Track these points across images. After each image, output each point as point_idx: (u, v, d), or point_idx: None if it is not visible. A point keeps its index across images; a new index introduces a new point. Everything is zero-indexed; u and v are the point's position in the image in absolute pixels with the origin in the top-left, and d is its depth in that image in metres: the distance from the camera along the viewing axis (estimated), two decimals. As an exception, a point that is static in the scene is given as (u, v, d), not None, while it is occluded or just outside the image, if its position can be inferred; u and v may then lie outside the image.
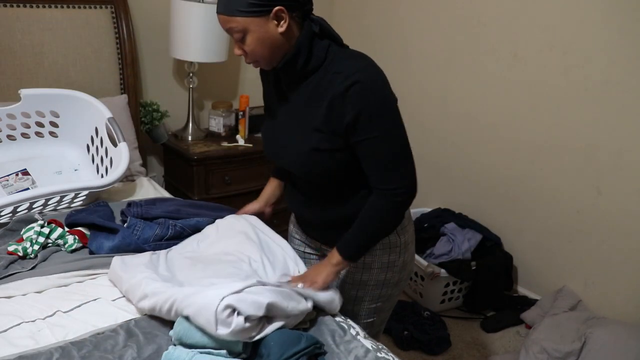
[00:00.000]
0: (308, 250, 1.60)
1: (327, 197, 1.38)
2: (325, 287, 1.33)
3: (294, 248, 1.61)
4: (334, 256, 1.34)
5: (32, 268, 1.49)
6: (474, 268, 2.49)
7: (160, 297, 1.22)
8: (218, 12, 1.21)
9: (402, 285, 1.53)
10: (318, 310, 1.33)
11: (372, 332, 1.53)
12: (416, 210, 2.92)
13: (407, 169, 1.29)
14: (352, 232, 1.33)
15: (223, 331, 1.08)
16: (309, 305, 1.25)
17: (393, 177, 1.26)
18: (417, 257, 2.51)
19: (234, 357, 1.11)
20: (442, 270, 2.44)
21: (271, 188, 1.66)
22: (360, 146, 1.24)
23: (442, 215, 2.77)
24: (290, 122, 1.33)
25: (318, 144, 1.26)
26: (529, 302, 2.50)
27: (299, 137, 1.30)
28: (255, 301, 1.11)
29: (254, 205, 1.66)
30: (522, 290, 2.65)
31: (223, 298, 1.09)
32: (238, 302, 1.10)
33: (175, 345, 1.15)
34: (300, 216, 1.54)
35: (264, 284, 1.19)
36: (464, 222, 2.68)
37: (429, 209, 2.89)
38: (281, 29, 1.20)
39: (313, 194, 1.41)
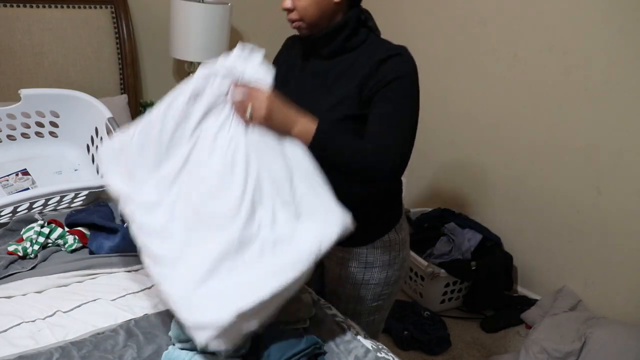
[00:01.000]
0: None
1: (341, 176, 1.29)
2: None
3: None
4: (308, 125, 1.17)
5: (32, 268, 1.49)
6: (474, 268, 2.48)
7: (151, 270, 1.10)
8: None
9: (401, 283, 1.54)
10: (317, 309, 1.34)
11: (372, 331, 1.53)
12: (416, 210, 2.92)
13: (404, 144, 1.22)
14: (340, 138, 1.20)
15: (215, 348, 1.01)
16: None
17: (391, 140, 1.19)
18: (417, 257, 2.51)
19: (232, 357, 1.10)
20: (442, 270, 2.44)
21: None
22: (378, 105, 1.23)
23: (442, 215, 2.77)
24: (314, 95, 1.32)
25: (343, 113, 1.26)
26: (529, 302, 2.50)
27: (326, 108, 1.28)
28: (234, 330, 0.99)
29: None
30: (522, 290, 2.65)
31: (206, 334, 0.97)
32: (219, 337, 0.97)
33: (174, 345, 1.15)
34: None
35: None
36: (464, 222, 2.68)
37: (429, 209, 2.89)
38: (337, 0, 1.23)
39: (327, 174, 1.27)
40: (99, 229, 1.64)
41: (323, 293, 1.54)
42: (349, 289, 1.47)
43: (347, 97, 1.26)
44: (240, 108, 1.16)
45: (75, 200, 1.86)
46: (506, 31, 2.45)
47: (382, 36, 1.34)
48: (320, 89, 1.31)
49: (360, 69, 1.25)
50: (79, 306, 1.34)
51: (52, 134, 2.14)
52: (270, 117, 1.15)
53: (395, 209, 1.45)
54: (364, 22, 1.30)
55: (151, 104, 2.65)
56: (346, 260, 1.45)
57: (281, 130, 1.17)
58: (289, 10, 1.26)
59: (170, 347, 1.12)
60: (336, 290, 1.50)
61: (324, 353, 1.18)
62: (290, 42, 1.46)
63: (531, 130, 2.44)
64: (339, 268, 1.47)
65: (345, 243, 1.41)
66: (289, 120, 1.17)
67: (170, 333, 1.17)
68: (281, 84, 1.37)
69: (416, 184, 3.06)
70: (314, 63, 1.34)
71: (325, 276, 1.55)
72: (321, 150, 1.18)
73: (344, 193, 1.29)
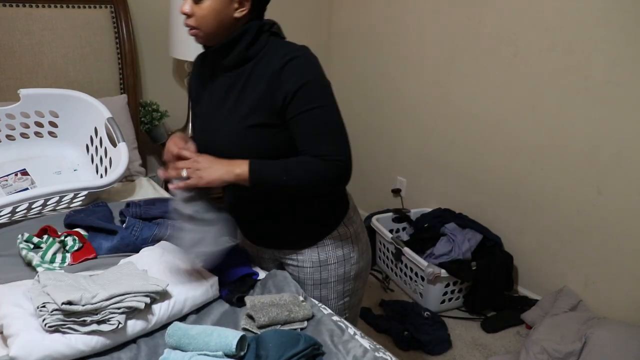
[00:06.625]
0: (263, 263, 1.55)
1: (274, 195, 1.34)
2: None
3: None
4: (241, 167, 1.21)
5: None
6: (474, 268, 2.48)
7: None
8: None
9: (364, 277, 1.52)
10: (315, 310, 1.33)
11: None
12: (416, 210, 2.92)
13: (344, 143, 1.24)
14: (274, 165, 1.23)
15: None
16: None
17: (331, 146, 1.22)
18: (417, 257, 2.51)
19: (231, 358, 1.10)
20: (442, 270, 2.43)
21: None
22: (297, 119, 1.22)
23: (442, 215, 2.77)
24: (223, 107, 1.31)
25: (255, 121, 1.25)
26: (529, 303, 2.50)
27: (234, 118, 1.28)
28: None
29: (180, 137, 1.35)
30: (522, 290, 2.64)
31: None
32: None
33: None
34: (250, 224, 1.47)
35: None
36: (464, 222, 2.68)
37: (429, 209, 2.89)
38: (238, 14, 1.23)
39: (261, 197, 1.36)
40: (97, 229, 1.64)
41: None
42: (310, 290, 1.45)
43: (256, 107, 1.24)
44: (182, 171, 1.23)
45: (74, 201, 1.86)
46: (506, 31, 2.44)
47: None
48: (229, 102, 1.29)
49: (262, 78, 1.23)
50: (77, 306, 1.34)
51: (51, 134, 2.15)
52: (207, 178, 1.21)
53: (340, 203, 1.43)
54: (268, 30, 1.28)
55: (151, 104, 2.65)
56: (301, 262, 1.43)
57: (218, 183, 1.22)
58: (187, 15, 1.23)
59: (166, 350, 1.12)
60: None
61: (323, 354, 1.18)
62: (199, 59, 1.44)
63: (531, 130, 2.44)
64: (297, 271, 1.45)
65: (295, 246, 1.41)
66: (222, 172, 1.21)
67: (165, 338, 1.15)
68: (194, 102, 1.42)
69: (416, 184, 3.06)
70: (220, 76, 1.33)
71: None
72: (264, 183, 1.23)
73: (277, 204, 1.32)
